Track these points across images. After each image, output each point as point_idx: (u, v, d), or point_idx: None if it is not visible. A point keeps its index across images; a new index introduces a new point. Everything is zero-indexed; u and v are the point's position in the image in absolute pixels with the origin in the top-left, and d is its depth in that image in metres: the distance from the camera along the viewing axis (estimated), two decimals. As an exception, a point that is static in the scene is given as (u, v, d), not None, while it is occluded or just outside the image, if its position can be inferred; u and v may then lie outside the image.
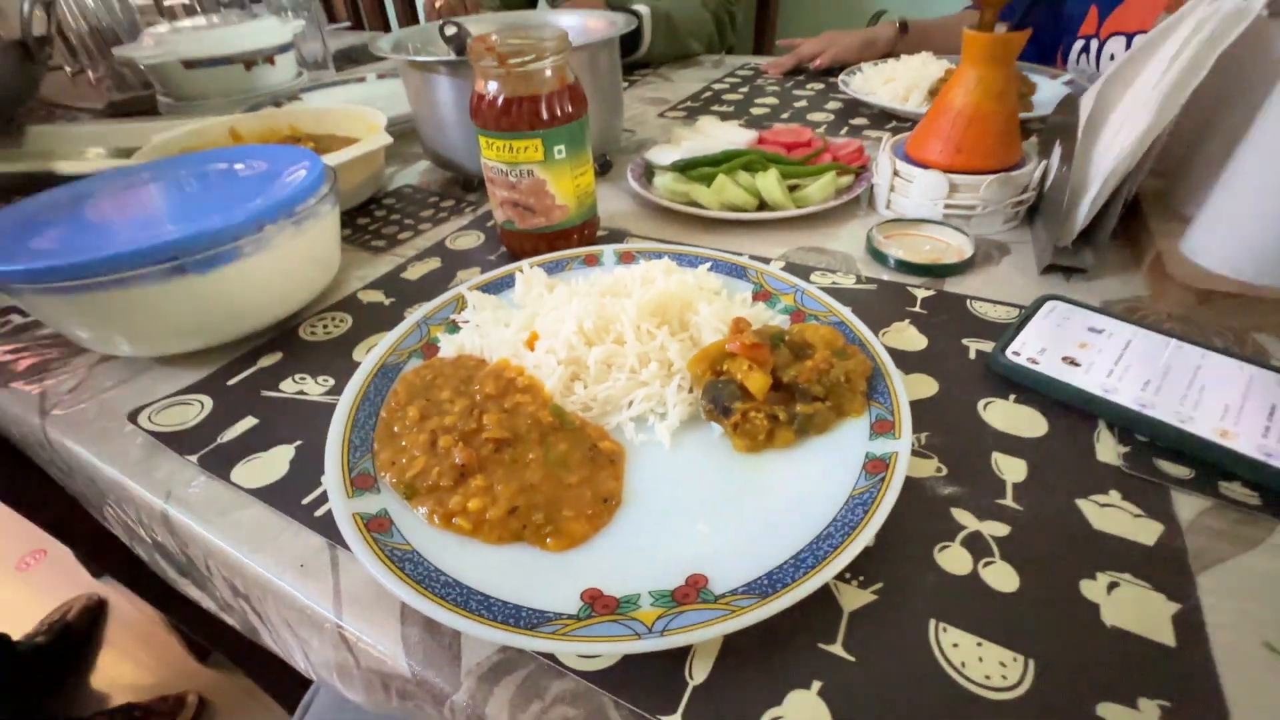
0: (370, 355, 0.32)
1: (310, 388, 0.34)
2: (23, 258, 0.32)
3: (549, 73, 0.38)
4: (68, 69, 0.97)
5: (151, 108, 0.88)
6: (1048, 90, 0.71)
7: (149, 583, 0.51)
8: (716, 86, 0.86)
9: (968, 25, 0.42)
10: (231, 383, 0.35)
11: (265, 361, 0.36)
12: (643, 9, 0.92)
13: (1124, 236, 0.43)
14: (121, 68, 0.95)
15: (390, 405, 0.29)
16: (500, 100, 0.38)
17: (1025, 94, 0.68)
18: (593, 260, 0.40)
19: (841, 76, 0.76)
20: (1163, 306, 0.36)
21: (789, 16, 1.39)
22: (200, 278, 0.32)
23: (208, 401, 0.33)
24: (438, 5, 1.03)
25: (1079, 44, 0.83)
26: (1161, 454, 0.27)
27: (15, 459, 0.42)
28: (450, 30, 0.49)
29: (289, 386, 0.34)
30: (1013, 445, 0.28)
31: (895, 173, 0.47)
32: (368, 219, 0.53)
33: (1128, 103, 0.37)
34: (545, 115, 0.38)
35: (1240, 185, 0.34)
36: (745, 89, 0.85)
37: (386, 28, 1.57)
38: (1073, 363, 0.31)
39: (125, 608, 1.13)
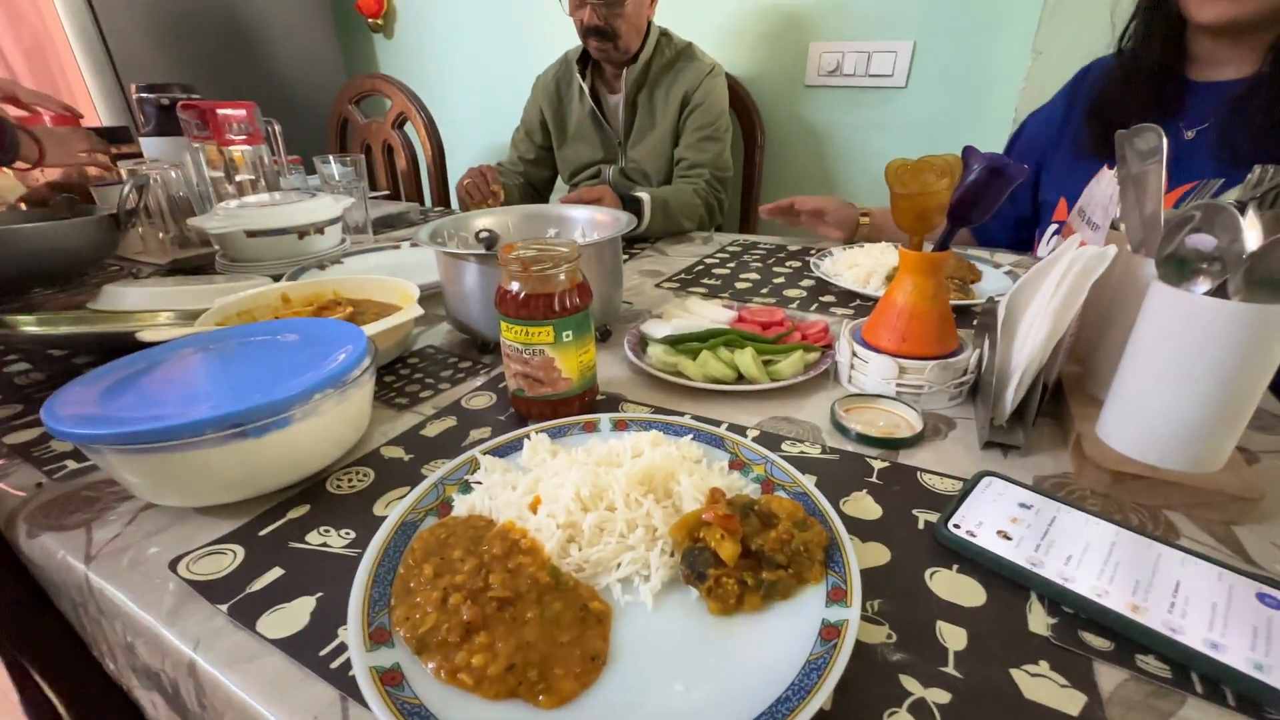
0: (391, 515, 0.36)
1: (333, 540, 0.38)
2: (108, 421, 0.37)
3: (562, 276, 0.46)
4: (140, 229, 1.11)
5: (209, 265, 1.00)
6: (991, 278, 0.82)
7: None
8: (707, 261, 0.99)
9: (901, 245, 0.52)
10: (262, 533, 0.39)
11: (294, 513, 0.41)
12: (644, 196, 1.08)
13: (1055, 416, 0.50)
14: (188, 231, 1.09)
15: (408, 562, 0.33)
16: (522, 296, 0.46)
17: (971, 281, 0.79)
18: (591, 427, 0.46)
19: (813, 259, 0.89)
20: (1085, 484, 0.41)
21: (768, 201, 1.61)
22: (255, 440, 0.38)
23: (240, 551, 0.37)
24: (465, 183, 1.21)
25: (1053, 227, 0.98)
26: (1085, 626, 0.31)
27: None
28: (484, 234, 0.60)
29: (314, 538, 0.38)
30: (955, 614, 0.32)
31: (854, 354, 0.54)
32: (394, 377, 0.60)
33: (1032, 311, 0.45)
34: (557, 308, 0.46)
35: (1131, 383, 0.41)
36: (732, 264, 0.97)
37: (421, 197, 1.79)
38: (1005, 536, 0.35)
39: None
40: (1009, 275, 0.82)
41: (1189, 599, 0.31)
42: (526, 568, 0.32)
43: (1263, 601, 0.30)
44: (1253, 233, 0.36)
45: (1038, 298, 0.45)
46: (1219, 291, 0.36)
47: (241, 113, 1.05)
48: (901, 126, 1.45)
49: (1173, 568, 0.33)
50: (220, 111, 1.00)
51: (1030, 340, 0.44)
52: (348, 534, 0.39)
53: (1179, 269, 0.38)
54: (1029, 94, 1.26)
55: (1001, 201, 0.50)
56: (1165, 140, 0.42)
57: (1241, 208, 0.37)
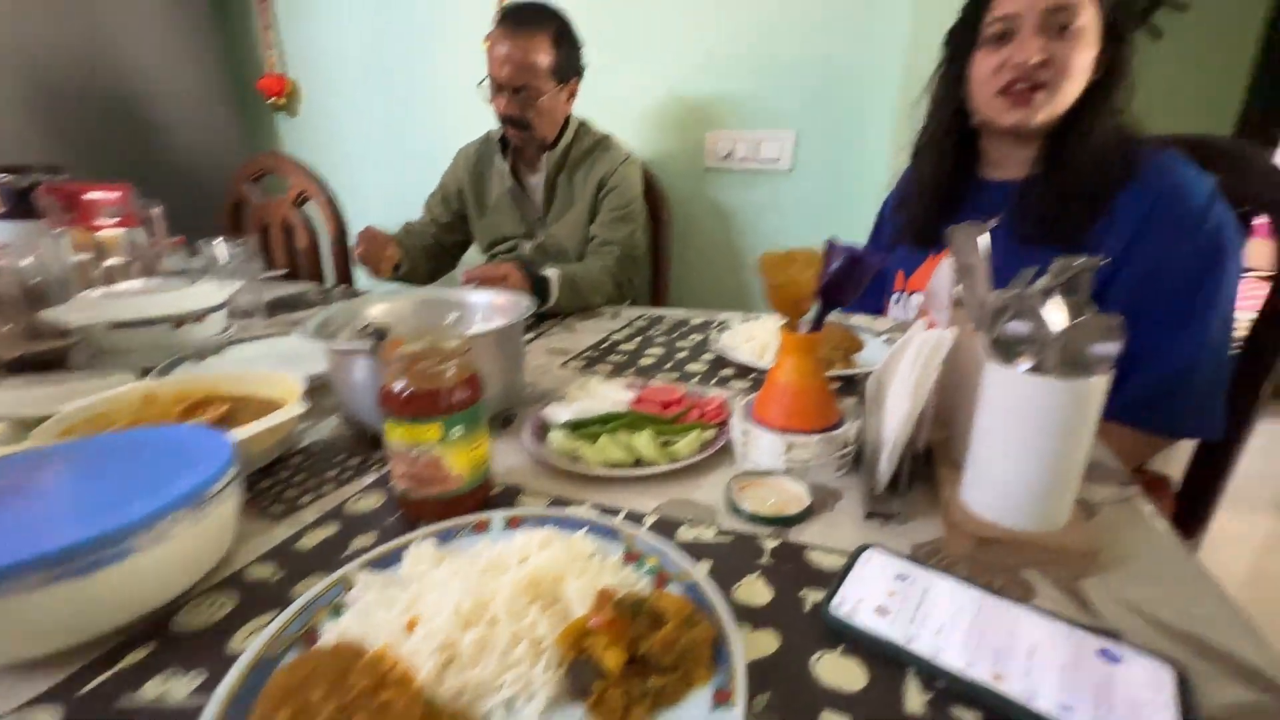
0: (244, 654, 0.33)
1: (176, 689, 0.33)
2: (-110, 571, 0.32)
3: (451, 372, 0.46)
4: (-18, 322, 1.00)
5: (64, 359, 0.90)
6: (873, 346, 0.89)
7: None
8: (615, 337, 1.01)
9: (780, 326, 0.56)
10: (87, 689, 0.33)
11: (130, 659, 0.35)
12: (551, 274, 1.10)
13: (931, 481, 0.53)
14: (41, 323, 0.99)
15: (259, 713, 0.30)
16: (406, 394, 0.45)
17: (853, 350, 0.85)
18: (482, 527, 0.45)
19: (712, 333, 0.93)
20: (954, 549, 0.44)
21: (678, 279, 1.68)
22: (81, 580, 0.33)
23: (56, 715, 0.32)
24: (359, 252, 1.19)
25: (895, 296, 1.10)
26: (956, 699, 0.32)
27: None
28: (371, 329, 0.58)
29: (153, 689, 0.33)
30: (839, 701, 0.32)
31: (745, 431, 0.56)
32: (270, 481, 0.56)
33: (896, 386, 0.49)
34: (444, 405, 0.45)
35: (981, 451, 0.45)
36: (638, 339, 1.00)
37: (319, 275, 1.73)
38: (884, 611, 0.37)
39: None
40: (888, 343, 0.89)
41: (1043, 663, 0.33)
42: (395, 704, 0.29)
43: (1103, 657, 0.33)
44: (1058, 316, 0.42)
45: (899, 374, 0.49)
46: (1039, 368, 0.41)
47: (114, 195, 0.99)
48: (790, 207, 1.58)
49: (1028, 630, 0.35)
50: (87, 196, 0.94)
51: (897, 412, 0.47)
52: (198, 676, 0.34)
53: (1005, 349, 0.42)
54: (896, 181, 1.42)
55: (867, 283, 0.55)
56: (989, 235, 0.49)
57: (1049, 294, 0.43)
